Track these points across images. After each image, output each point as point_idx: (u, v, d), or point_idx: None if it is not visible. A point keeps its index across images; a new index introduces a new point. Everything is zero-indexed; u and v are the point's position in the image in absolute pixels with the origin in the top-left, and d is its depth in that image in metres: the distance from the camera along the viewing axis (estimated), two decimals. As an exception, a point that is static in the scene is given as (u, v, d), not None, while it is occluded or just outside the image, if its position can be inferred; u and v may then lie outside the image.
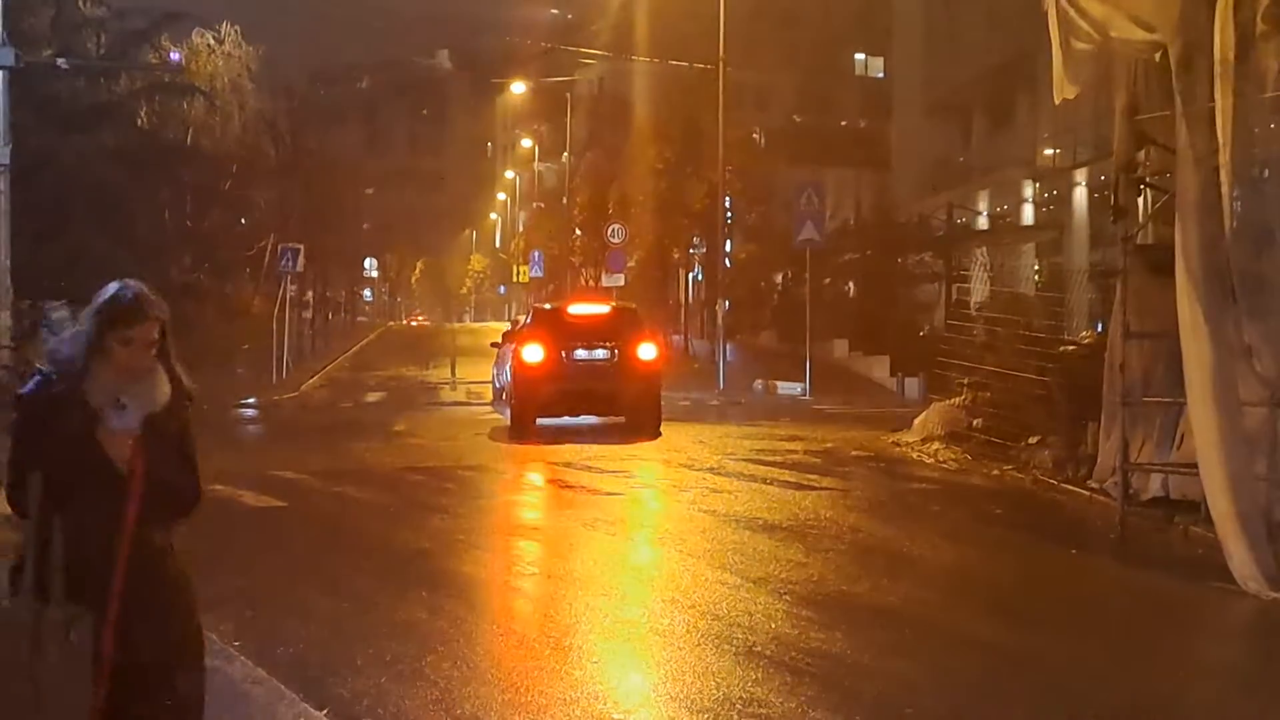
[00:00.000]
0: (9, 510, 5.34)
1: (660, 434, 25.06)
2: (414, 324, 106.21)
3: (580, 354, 26.12)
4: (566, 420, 26.79)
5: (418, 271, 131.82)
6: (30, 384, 5.43)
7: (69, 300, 31.62)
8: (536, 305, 34.26)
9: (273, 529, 15.87)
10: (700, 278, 59.31)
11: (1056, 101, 16.46)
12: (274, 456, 22.85)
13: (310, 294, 63.08)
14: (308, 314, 58.88)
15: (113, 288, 5.43)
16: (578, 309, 28.57)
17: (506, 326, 44.43)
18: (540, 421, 26.36)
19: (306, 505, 17.73)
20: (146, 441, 5.31)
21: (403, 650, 9.87)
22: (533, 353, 26.13)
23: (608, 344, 26.31)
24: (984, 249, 39.27)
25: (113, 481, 5.27)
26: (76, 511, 5.26)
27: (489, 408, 33.44)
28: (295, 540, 15.06)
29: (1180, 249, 13.98)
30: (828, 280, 48.79)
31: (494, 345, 34.95)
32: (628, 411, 26.18)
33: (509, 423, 27.07)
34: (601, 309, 28.67)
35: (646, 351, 26.40)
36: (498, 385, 33.84)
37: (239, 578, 12.57)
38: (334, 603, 11.57)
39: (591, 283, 64.16)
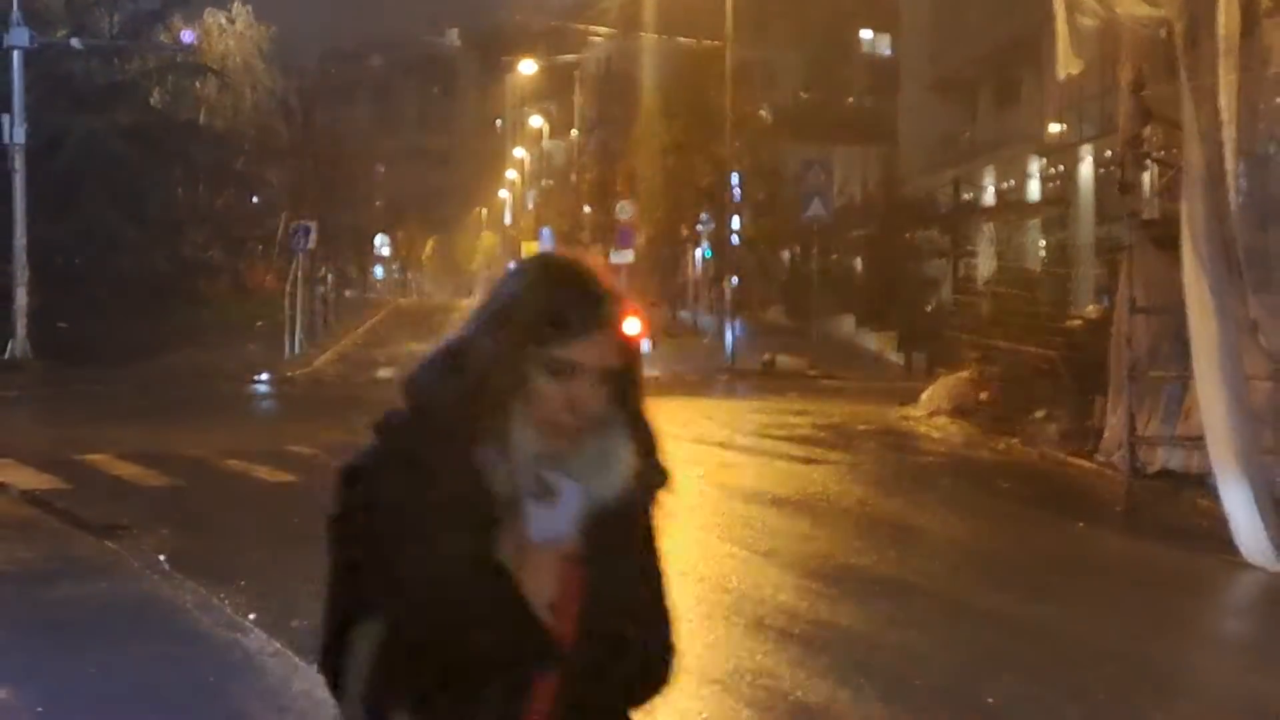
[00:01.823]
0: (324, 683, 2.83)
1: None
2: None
3: None
4: None
5: (428, 249, 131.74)
6: (364, 452, 2.78)
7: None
8: None
9: (286, 503, 15.95)
10: (708, 254, 59.29)
11: (1061, 77, 16.54)
12: (287, 432, 22.93)
13: (326, 270, 63.19)
14: (323, 289, 58.93)
15: (533, 263, 2.91)
16: None
17: None
18: None
19: (320, 480, 17.70)
20: (591, 565, 2.78)
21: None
22: None
23: None
24: (990, 225, 39.30)
25: (524, 641, 2.71)
26: (448, 700, 2.69)
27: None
28: (308, 514, 15.11)
29: (1186, 224, 14.04)
30: (835, 256, 48.83)
31: None
32: None
33: None
34: None
35: (631, 327, 27.32)
36: None
37: (253, 551, 12.70)
38: (348, 576, 11.66)
39: (601, 259, 64.11)
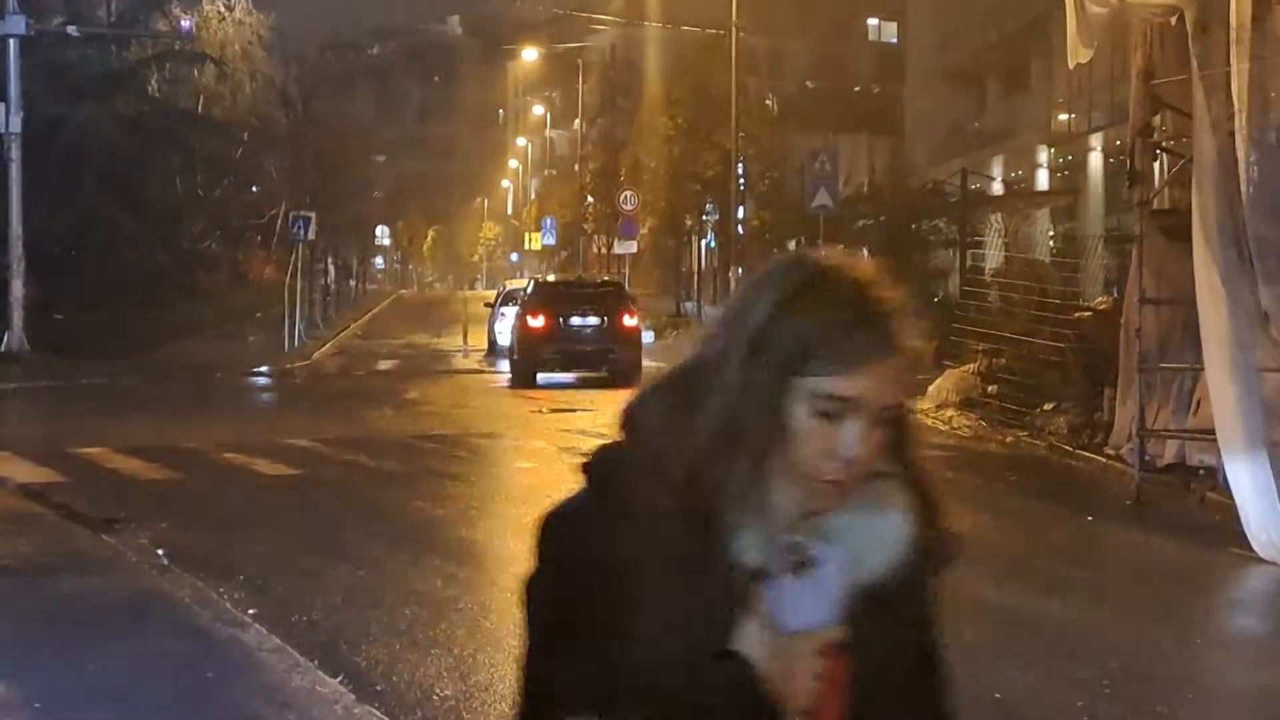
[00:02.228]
0: None
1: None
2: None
3: (575, 320, 30.45)
4: (571, 380, 29.77)
5: (429, 239, 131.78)
6: (574, 500, 2.24)
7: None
8: (537, 278, 41.72)
9: (286, 497, 15.87)
10: (713, 244, 59.19)
11: (1070, 66, 16.39)
12: (287, 424, 22.85)
13: (329, 262, 63.13)
14: (324, 281, 58.93)
15: (792, 267, 2.23)
16: (572, 282, 35.03)
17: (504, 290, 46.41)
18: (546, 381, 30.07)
19: (319, 473, 17.72)
20: (858, 659, 2.20)
21: (416, 617, 9.85)
22: (535, 320, 30.36)
23: (599, 312, 30.75)
24: (998, 215, 39.07)
25: None
26: None
27: (502, 375, 33.47)
28: (308, 508, 15.05)
29: (1197, 214, 13.91)
30: (841, 246, 48.56)
31: (487, 306, 43.10)
32: (613, 365, 30.00)
33: (510, 374, 32.11)
34: (592, 283, 35.04)
35: (629, 319, 31.26)
36: (499, 343, 38.39)
37: (252, 545, 12.59)
38: (348, 570, 11.56)
39: (604, 250, 64.12)
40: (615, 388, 27.75)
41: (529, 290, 34.13)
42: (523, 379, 30.37)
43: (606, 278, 43.32)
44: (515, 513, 15.28)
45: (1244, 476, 13.03)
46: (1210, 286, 13.68)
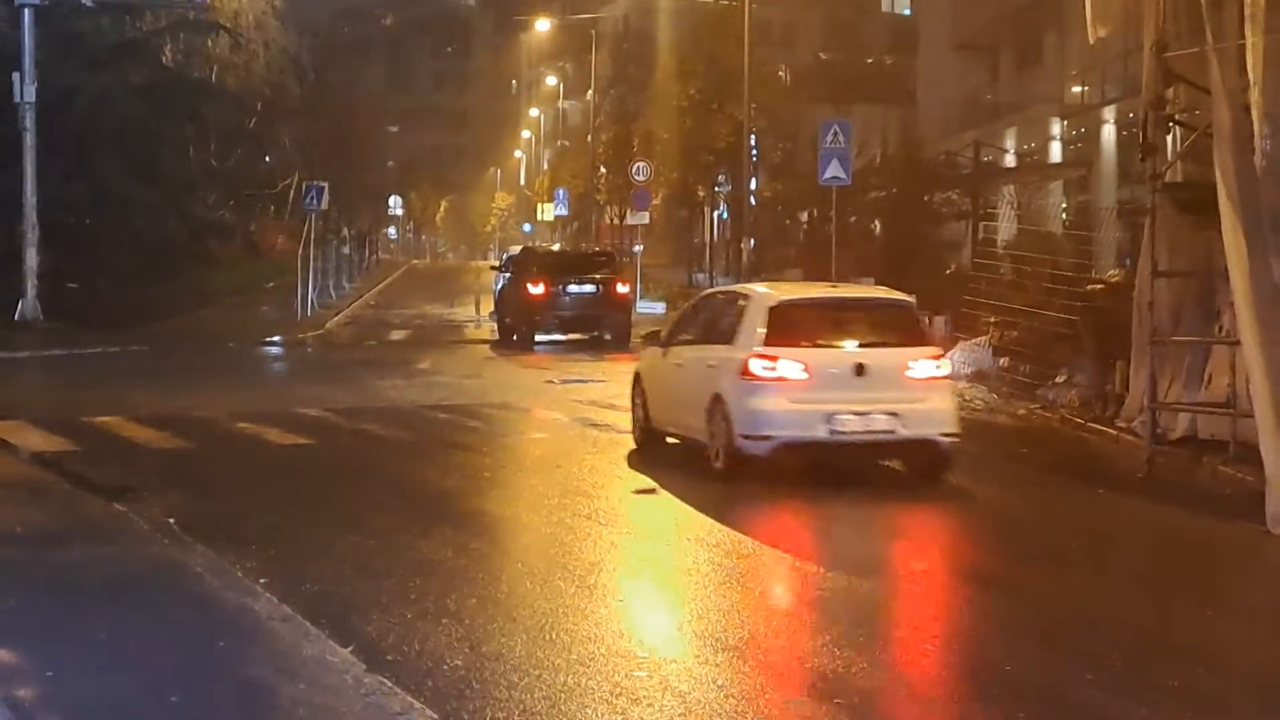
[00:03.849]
0: None
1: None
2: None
3: (572, 288, 32.75)
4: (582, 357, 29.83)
5: (442, 209, 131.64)
6: None
7: None
8: (530, 247, 46.45)
9: (298, 466, 15.90)
10: (725, 216, 59.08)
11: (1091, 41, 16.33)
12: (299, 394, 22.87)
13: (346, 231, 63.10)
14: (345, 250, 58.85)
15: None
16: (568, 252, 39.04)
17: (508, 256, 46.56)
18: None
19: (331, 443, 17.74)
20: None
21: (427, 587, 9.87)
22: (535, 287, 32.68)
23: (594, 279, 33.23)
24: (1011, 187, 38.98)
25: None
26: None
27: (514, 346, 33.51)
28: (320, 478, 15.07)
29: (1221, 179, 13.85)
30: (853, 218, 48.49)
31: (493, 269, 44.61)
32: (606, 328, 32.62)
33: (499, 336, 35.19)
34: (586, 252, 37.85)
35: (621, 286, 33.84)
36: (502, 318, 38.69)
37: (264, 515, 12.61)
38: (359, 540, 11.58)
39: (617, 221, 64.05)
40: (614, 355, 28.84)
41: (520, 257, 38.62)
42: (523, 343, 32.77)
43: (598, 248, 47.85)
44: (527, 483, 15.32)
45: (1275, 447, 12.88)
46: (1239, 257, 13.59)
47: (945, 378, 15.05)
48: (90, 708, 7.26)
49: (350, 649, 8.24)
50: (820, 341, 14.70)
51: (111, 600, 9.40)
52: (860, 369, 14.32)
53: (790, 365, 14.22)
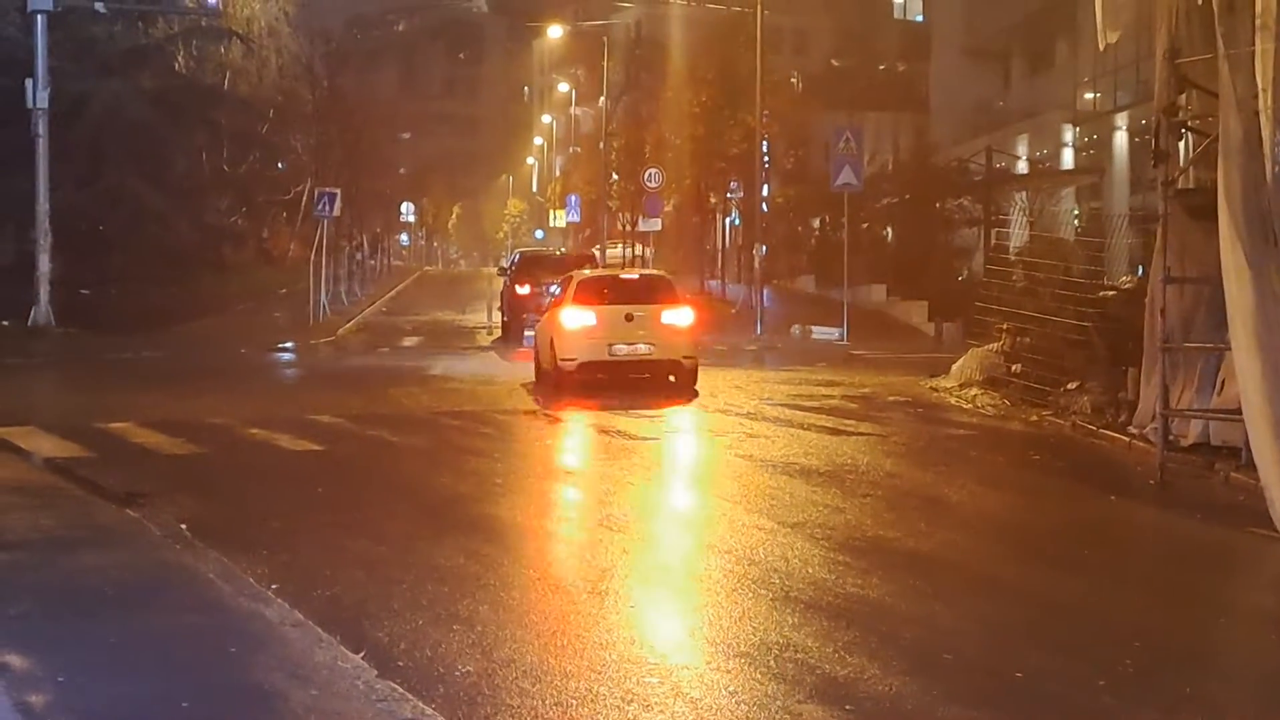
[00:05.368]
0: None
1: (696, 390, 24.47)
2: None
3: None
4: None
5: (454, 216, 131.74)
6: None
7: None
8: (522, 251, 48.30)
9: (310, 472, 15.89)
10: (737, 222, 59.10)
11: (1101, 47, 16.31)
12: (311, 400, 22.87)
13: (360, 238, 63.14)
14: (358, 256, 58.89)
15: None
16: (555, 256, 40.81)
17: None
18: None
19: (343, 449, 17.74)
20: None
21: (439, 594, 9.87)
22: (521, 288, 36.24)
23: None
24: (1023, 193, 39.00)
25: None
26: None
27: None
28: (332, 484, 15.07)
29: (1223, 192, 13.83)
30: (865, 224, 48.58)
31: (501, 272, 43.83)
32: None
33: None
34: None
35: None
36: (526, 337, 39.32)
37: (276, 521, 12.62)
38: (370, 546, 11.59)
39: (628, 227, 64.10)
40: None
41: (516, 262, 40.25)
42: (513, 337, 35.71)
43: (582, 251, 50.17)
44: (539, 489, 15.32)
45: (1271, 456, 12.95)
46: (1236, 266, 13.61)
47: (688, 325, 23.76)
48: (101, 713, 7.26)
49: (362, 655, 8.24)
50: (607, 301, 23.72)
51: (123, 605, 9.39)
52: (629, 317, 23.41)
53: (586, 314, 23.43)
